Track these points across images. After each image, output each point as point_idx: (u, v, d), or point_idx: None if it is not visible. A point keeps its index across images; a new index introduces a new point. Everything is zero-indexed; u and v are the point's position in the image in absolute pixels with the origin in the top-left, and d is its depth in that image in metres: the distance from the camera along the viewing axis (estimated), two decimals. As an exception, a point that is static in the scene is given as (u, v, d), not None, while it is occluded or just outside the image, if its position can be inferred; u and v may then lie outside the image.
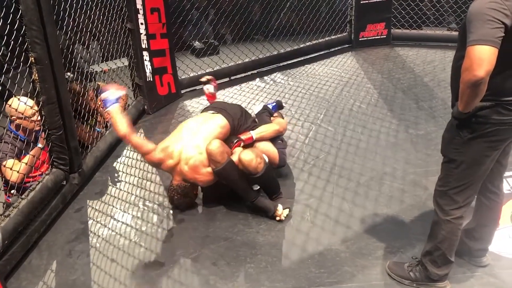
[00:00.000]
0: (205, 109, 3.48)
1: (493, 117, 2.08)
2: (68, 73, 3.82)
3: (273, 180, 3.15)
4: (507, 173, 3.28)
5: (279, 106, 3.80)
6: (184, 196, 3.14)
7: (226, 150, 3.02)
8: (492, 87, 1.99)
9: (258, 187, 3.17)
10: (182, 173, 3.08)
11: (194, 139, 3.11)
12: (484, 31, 1.90)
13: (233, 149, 3.15)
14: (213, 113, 3.29)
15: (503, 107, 2.07)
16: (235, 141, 3.19)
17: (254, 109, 3.79)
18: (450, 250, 2.33)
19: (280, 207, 3.04)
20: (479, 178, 2.25)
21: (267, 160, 3.06)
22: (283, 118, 3.77)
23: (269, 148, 3.29)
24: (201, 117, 3.31)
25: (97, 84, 4.14)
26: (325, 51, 6.07)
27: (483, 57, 1.88)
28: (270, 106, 3.71)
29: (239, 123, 3.31)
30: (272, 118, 3.62)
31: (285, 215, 3.03)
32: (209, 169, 3.03)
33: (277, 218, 3.02)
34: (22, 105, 3.15)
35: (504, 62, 1.98)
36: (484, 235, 2.51)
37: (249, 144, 3.25)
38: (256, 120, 3.54)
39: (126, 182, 3.60)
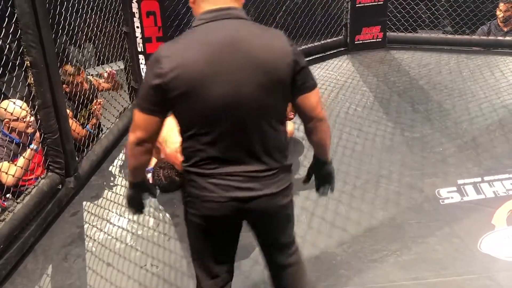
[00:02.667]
0: None
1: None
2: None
3: None
4: (501, 176, 3.31)
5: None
6: (169, 172, 2.99)
7: None
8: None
9: None
10: (165, 153, 3.07)
11: None
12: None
13: None
14: None
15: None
16: None
17: None
18: None
19: None
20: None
21: None
22: (293, 117, 3.80)
23: None
24: None
25: (90, 80, 4.10)
26: (321, 54, 6.06)
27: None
28: None
29: None
30: None
31: None
32: None
33: None
34: (13, 106, 3.15)
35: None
36: None
37: None
38: None
39: (122, 186, 3.59)
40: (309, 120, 1.86)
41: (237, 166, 1.77)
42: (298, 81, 1.77)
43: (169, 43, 1.76)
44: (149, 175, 3.26)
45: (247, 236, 2.91)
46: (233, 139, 1.74)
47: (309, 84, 1.82)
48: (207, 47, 1.68)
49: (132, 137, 1.78)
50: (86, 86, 3.91)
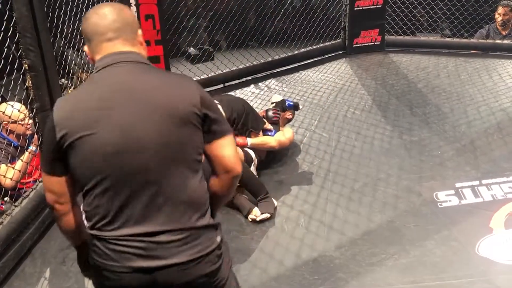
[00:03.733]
0: None
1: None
2: (63, 80, 3.82)
3: (251, 179, 3.15)
4: (499, 179, 3.31)
5: (295, 106, 3.85)
6: None
7: None
8: None
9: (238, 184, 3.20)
10: None
11: None
12: None
13: None
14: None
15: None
16: None
17: (272, 98, 3.90)
18: None
19: (256, 209, 3.06)
20: None
21: (242, 158, 3.08)
22: (292, 116, 3.82)
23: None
24: None
25: None
26: (319, 58, 6.08)
27: None
28: (286, 103, 3.76)
29: (238, 119, 3.31)
30: (282, 113, 3.68)
31: (259, 219, 3.04)
32: None
33: (249, 218, 3.04)
34: (11, 109, 3.16)
35: None
36: None
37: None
38: (264, 119, 3.58)
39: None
40: (220, 173, 1.61)
41: (139, 226, 1.51)
42: (206, 125, 1.56)
43: (62, 97, 1.67)
44: None
45: (245, 240, 2.92)
46: (132, 192, 1.51)
47: (221, 129, 1.59)
48: (97, 93, 1.53)
49: (46, 201, 1.66)
50: None
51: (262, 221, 3.06)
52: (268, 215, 3.05)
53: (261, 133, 3.52)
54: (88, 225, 1.59)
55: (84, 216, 1.61)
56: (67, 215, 1.65)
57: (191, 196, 1.55)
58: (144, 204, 1.51)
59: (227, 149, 1.59)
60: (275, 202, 3.17)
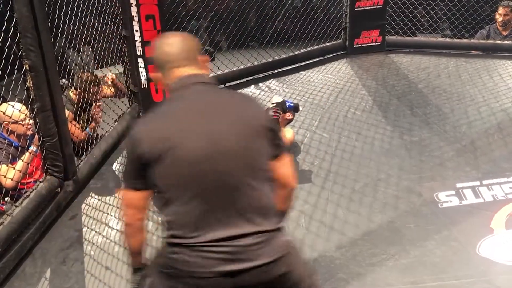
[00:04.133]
0: None
1: None
2: (63, 80, 3.82)
3: None
4: (500, 179, 3.31)
5: (295, 108, 3.84)
6: None
7: None
8: None
9: None
10: None
11: None
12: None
13: None
14: None
15: None
16: None
17: (272, 99, 3.89)
18: None
19: None
20: None
21: None
22: (292, 117, 3.84)
23: None
24: None
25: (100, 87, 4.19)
26: (320, 58, 6.07)
27: None
28: (286, 104, 3.76)
29: None
30: (282, 114, 3.68)
31: None
32: None
33: None
34: (12, 110, 3.16)
35: None
36: None
37: None
38: None
39: (121, 189, 3.59)
40: (279, 186, 1.76)
41: (222, 231, 1.60)
42: (271, 139, 1.72)
43: (142, 118, 1.84)
44: None
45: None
46: (216, 198, 1.62)
47: (282, 145, 1.77)
48: (177, 109, 1.69)
49: (124, 218, 1.77)
50: (106, 92, 4.24)
51: None
52: None
53: None
54: (169, 234, 1.66)
55: (165, 226, 1.68)
56: (141, 232, 1.77)
57: (266, 202, 1.68)
58: (227, 209, 1.62)
59: (286, 167, 1.77)
60: None
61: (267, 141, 1.69)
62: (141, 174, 1.66)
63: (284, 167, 1.77)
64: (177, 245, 1.63)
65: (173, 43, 1.77)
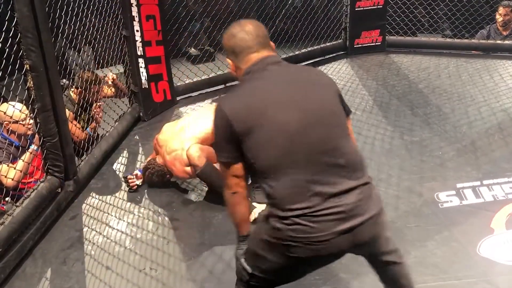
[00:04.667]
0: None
1: None
2: (64, 80, 3.83)
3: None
4: (500, 180, 3.31)
5: None
6: (157, 176, 3.37)
7: (205, 154, 3.12)
8: None
9: None
10: (164, 159, 3.28)
11: (183, 133, 3.27)
12: None
13: None
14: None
15: None
16: None
17: None
18: None
19: (255, 210, 3.05)
20: None
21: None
22: None
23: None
24: (203, 110, 3.40)
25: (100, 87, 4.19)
26: (320, 58, 6.08)
27: None
28: None
29: None
30: None
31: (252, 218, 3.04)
32: (187, 168, 3.16)
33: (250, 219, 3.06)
34: (12, 109, 3.16)
35: None
36: None
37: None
38: None
39: (121, 189, 3.59)
40: None
41: (331, 187, 1.69)
42: (342, 103, 1.90)
43: (227, 95, 1.96)
44: (138, 172, 3.52)
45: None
46: (317, 162, 1.71)
47: (348, 110, 1.94)
48: (262, 86, 1.82)
49: (226, 190, 1.85)
50: (107, 92, 4.28)
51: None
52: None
53: None
54: (280, 207, 1.71)
55: (269, 201, 1.74)
56: (246, 200, 1.86)
57: (356, 157, 1.80)
58: (328, 170, 1.72)
59: (351, 126, 1.93)
60: None
61: (340, 103, 1.87)
62: (237, 148, 1.76)
63: (350, 125, 1.92)
64: (293, 216, 1.68)
65: (249, 31, 1.90)
